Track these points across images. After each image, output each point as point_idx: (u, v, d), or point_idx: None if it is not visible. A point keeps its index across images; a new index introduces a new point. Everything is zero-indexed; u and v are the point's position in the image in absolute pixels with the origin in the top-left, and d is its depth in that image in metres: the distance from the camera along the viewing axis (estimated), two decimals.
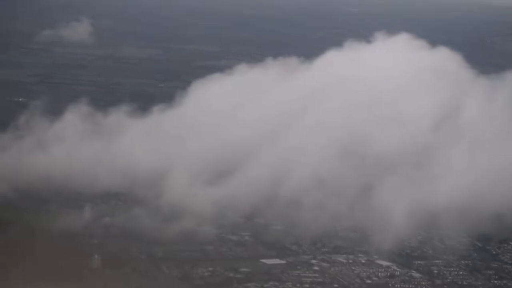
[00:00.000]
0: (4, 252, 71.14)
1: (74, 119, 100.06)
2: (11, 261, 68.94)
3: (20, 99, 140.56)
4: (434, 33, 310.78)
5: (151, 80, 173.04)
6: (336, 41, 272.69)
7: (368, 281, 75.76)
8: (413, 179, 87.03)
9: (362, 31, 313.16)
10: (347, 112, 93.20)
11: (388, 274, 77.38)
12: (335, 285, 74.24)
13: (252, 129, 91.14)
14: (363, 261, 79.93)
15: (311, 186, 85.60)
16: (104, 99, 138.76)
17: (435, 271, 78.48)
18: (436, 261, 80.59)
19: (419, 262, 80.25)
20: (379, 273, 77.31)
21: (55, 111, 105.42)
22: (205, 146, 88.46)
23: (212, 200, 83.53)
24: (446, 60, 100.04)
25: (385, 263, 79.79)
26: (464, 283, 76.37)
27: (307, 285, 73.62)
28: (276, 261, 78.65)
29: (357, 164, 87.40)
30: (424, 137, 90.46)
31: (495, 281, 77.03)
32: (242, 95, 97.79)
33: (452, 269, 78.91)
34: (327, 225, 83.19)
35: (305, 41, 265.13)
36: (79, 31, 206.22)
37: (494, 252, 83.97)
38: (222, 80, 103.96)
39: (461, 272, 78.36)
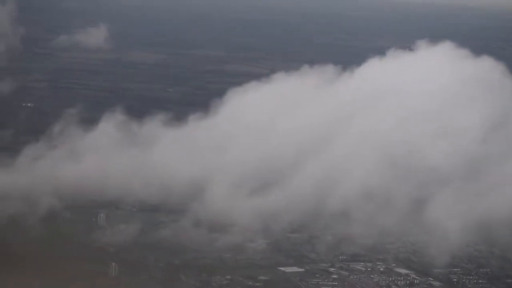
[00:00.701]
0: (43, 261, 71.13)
1: (106, 127, 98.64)
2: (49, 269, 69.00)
3: (29, 104, 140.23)
4: (440, 38, 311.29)
5: (161, 85, 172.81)
6: (341, 46, 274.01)
7: None
8: (463, 191, 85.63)
9: (366, 35, 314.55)
10: (393, 123, 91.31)
11: (407, 282, 76.99)
12: None
13: (294, 140, 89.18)
14: (381, 269, 79.55)
15: (355, 198, 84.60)
16: (122, 105, 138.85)
17: (454, 280, 78.10)
18: (455, 269, 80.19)
19: (438, 270, 79.80)
20: (398, 281, 76.93)
21: (78, 118, 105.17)
22: (244, 157, 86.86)
23: (253, 212, 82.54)
24: (490, 70, 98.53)
25: (403, 271, 79.40)
26: None
27: None
28: (294, 269, 78.28)
29: (405, 176, 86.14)
30: (473, 149, 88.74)
31: None
32: (281, 104, 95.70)
33: (471, 277, 78.49)
34: (376, 238, 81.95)
35: (311, 45, 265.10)
36: (93, 35, 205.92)
37: None
38: (259, 88, 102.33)
39: (480, 281, 77.96)
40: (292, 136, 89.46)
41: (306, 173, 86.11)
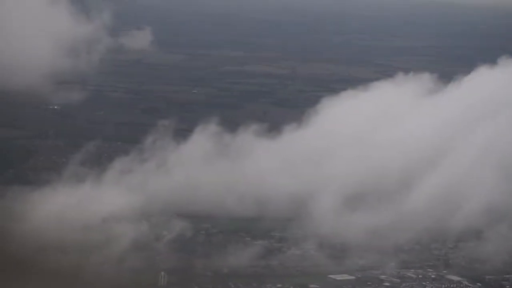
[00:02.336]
0: None
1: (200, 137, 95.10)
2: None
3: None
4: (457, 37, 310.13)
5: (184, 86, 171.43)
6: (360, 46, 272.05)
7: None
8: None
9: (382, 34, 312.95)
10: None
11: None
12: None
13: (399, 152, 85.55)
14: (432, 276, 78.15)
15: (477, 213, 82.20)
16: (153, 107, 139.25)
17: (507, 287, 76.71)
18: (507, 276, 78.78)
19: (489, 276, 78.38)
20: None
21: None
22: (346, 169, 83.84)
23: (365, 229, 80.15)
24: None
25: (455, 278, 77.97)
26: None
27: None
28: (345, 276, 76.86)
29: None
30: None
31: None
32: (382, 114, 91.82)
33: None
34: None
35: (329, 45, 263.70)
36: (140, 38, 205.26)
37: None
38: (355, 97, 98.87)
39: None
40: (398, 148, 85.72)
41: (418, 187, 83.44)
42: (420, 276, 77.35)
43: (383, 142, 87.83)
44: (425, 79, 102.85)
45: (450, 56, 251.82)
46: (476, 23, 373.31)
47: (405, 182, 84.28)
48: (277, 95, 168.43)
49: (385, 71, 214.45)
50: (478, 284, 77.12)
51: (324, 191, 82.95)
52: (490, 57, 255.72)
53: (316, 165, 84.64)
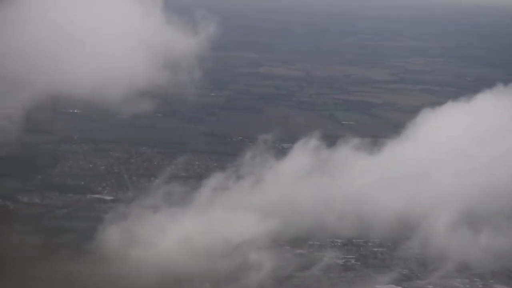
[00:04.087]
0: None
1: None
2: None
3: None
4: (465, 37, 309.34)
5: (201, 89, 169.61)
6: (371, 46, 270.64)
7: None
8: None
9: (391, 35, 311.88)
10: None
11: None
12: None
13: (509, 168, 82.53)
14: (480, 285, 76.78)
15: None
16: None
17: None
18: None
19: None
20: None
21: None
22: (454, 187, 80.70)
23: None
24: None
25: (502, 287, 76.65)
26: None
27: None
28: (392, 287, 75.51)
29: None
30: None
31: None
32: (488, 128, 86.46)
33: None
34: None
35: (341, 46, 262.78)
36: None
37: None
38: (456, 109, 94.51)
39: None
40: (507, 165, 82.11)
41: None
42: None
43: (490, 158, 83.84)
44: None
45: (462, 56, 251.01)
46: (482, 23, 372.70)
47: None
48: (296, 98, 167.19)
49: (398, 73, 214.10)
50: None
51: (435, 210, 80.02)
52: (502, 58, 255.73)
53: (419, 181, 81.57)
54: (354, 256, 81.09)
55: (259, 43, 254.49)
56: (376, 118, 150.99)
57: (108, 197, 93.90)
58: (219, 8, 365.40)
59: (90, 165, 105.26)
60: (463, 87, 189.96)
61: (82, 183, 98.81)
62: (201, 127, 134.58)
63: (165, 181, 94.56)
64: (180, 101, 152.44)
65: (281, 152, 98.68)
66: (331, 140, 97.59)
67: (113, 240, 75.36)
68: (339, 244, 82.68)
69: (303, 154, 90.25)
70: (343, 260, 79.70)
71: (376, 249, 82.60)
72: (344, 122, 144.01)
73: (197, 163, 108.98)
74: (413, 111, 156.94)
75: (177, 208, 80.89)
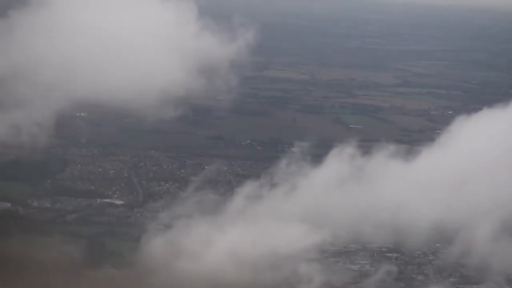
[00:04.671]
0: None
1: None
2: None
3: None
4: (468, 40, 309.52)
5: (208, 92, 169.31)
6: (374, 50, 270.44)
7: None
8: None
9: (393, 38, 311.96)
10: None
11: None
12: None
13: None
14: None
15: None
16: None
17: None
18: None
19: None
20: None
21: None
22: (493, 197, 77.98)
23: None
24: None
25: None
26: None
27: None
28: None
29: None
30: None
31: None
32: None
33: None
34: None
35: (343, 49, 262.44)
36: None
37: None
38: (490, 116, 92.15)
39: None
40: None
41: None
42: None
43: None
44: None
45: (466, 59, 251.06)
46: (487, 26, 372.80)
47: None
48: (303, 101, 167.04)
49: (403, 76, 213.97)
50: None
51: (475, 219, 78.13)
52: (506, 62, 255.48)
53: (455, 190, 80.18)
54: (404, 266, 79.94)
55: (261, 45, 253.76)
56: (383, 121, 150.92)
57: (118, 202, 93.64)
58: (224, 12, 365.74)
59: (100, 169, 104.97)
60: (468, 90, 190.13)
61: (92, 187, 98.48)
62: (209, 131, 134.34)
63: (179, 187, 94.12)
64: (187, 105, 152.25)
65: (291, 156, 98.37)
66: (339, 143, 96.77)
67: (154, 250, 73.86)
68: (386, 253, 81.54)
69: (315, 158, 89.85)
70: (394, 270, 78.40)
71: (423, 258, 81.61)
72: (351, 126, 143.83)
73: (206, 167, 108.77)
74: (420, 115, 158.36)
75: (210, 216, 79.50)
